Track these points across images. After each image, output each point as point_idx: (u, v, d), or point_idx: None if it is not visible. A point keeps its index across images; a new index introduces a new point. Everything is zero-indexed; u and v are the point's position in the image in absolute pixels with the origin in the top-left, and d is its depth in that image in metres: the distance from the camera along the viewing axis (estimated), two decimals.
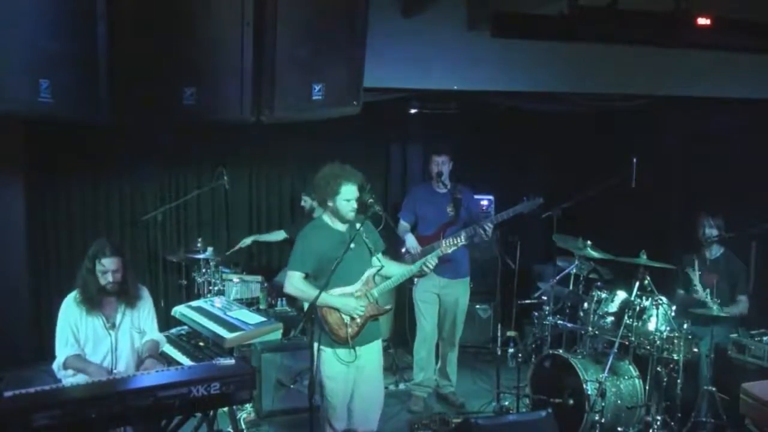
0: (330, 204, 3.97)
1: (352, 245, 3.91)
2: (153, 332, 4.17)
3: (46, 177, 6.21)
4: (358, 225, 3.99)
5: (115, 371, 3.92)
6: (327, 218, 4.07)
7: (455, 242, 4.22)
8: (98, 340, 3.96)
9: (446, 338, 5.64)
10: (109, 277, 3.90)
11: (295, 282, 4.00)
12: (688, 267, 5.38)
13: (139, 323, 4.10)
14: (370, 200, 3.91)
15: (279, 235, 6.71)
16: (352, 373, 4.01)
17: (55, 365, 3.90)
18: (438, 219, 5.44)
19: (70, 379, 3.83)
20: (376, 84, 4.47)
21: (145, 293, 4.19)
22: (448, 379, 5.71)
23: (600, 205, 6.07)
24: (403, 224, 5.50)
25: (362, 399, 4.06)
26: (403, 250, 5.40)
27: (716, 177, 6.22)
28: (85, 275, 3.93)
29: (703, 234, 5.27)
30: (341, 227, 4.01)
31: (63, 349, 3.90)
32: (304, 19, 2.94)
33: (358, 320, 3.95)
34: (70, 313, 3.95)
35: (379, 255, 4.10)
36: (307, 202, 6.47)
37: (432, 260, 4.06)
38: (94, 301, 3.92)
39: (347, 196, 3.92)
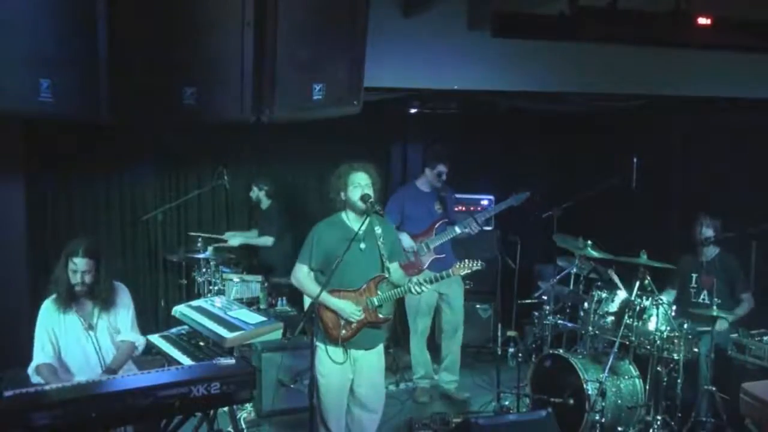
0: (344, 198, 3.97)
1: (362, 246, 3.90)
2: (127, 333, 4.10)
3: (46, 177, 6.21)
4: (378, 230, 3.97)
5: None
6: (343, 215, 4.04)
7: (470, 266, 4.04)
8: (80, 342, 3.94)
9: (447, 333, 5.69)
10: (78, 278, 3.86)
11: (299, 275, 4.01)
12: (684, 268, 5.39)
13: (116, 323, 4.07)
14: (370, 200, 3.89)
15: (254, 234, 6.78)
16: (348, 375, 3.99)
17: (30, 369, 3.88)
18: (428, 217, 5.56)
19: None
20: (376, 84, 4.47)
21: (122, 293, 4.13)
22: (451, 374, 5.74)
23: (600, 205, 6.08)
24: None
25: (360, 403, 4.04)
26: None
27: (716, 177, 6.23)
28: (58, 272, 3.92)
29: (699, 234, 5.28)
30: (357, 226, 3.92)
31: (38, 355, 3.88)
32: (304, 19, 2.94)
33: (353, 325, 3.92)
34: (47, 317, 3.93)
35: (395, 264, 4.06)
36: (253, 192, 6.57)
37: (426, 285, 3.96)
38: (66, 300, 3.90)
39: (356, 182, 3.92)
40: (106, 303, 4.01)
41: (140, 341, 4.20)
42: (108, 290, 4.01)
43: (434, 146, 5.70)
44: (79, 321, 3.94)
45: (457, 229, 5.40)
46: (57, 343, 3.94)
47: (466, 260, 4.05)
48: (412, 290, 3.91)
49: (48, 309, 3.95)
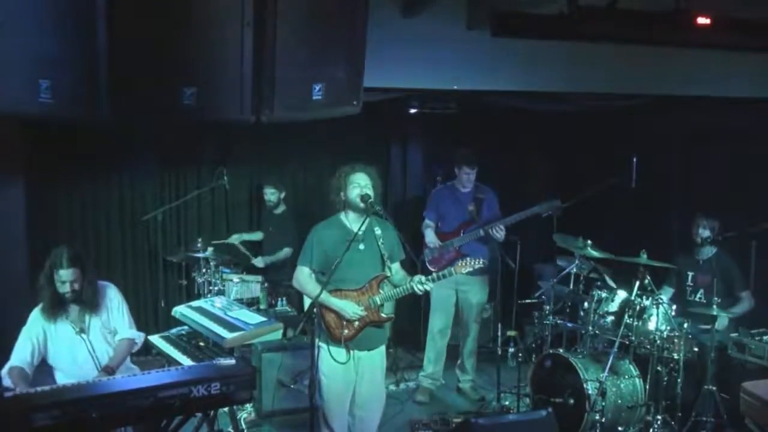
0: (344, 198, 3.98)
1: (361, 246, 3.90)
2: (124, 330, 4.10)
3: (46, 177, 6.21)
4: (377, 231, 3.97)
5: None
6: (342, 216, 4.05)
7: (472, 264, 4.03)
8: (73, 347, 3.94)
9: (463, 333, 5.78)
10: (66, 287, 3.86)
11: (300, 277, 4.01)
12: (681, 267, 5.39)
13: (110, 323, 4.07)
14: (371, 200, 3.89)
15: (258, 235, 6.83)
16: (351, 375, 3.99)
17: (4, 370, 3.86)
18: (458, 217, 5.62)
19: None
20: (376, 84, 4.47)
21: (110, 292, 4.12)
22: (467, 373, 5.80)
23: (600, 205, 6.08)
24: (427, 222, 5.71)
25: (362, 403, 4.05)
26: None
27: (716, 177, 6.23)
28: (43, 282, 3.89)
29: (697, 235, 5.28)
30: (356, 227, 3.93)
31: (15, 357, 3.87)
32: (304, 19, 2.93)
33: (356, 324, 3.93)
34: (36, 325, 3.93)
35: (395, 265, 4.07)
36: (274, 194, 6.52)
37: (429, 284, 3.91)
38: (54, 308, 3.89)
39: (355, 182, 3.93)
40: (94, 305, 4.00)
41: (139, 336, 4.19)
42: (94, 293, 4.00)
43: (462, 149, 5.73)
44: (70, 327, 3.93)
45: (481, 232, 5.42)
46: (43, 352, 3.93)
47: (468, 258, 4.05)
48: (415, 289, 3.91)
49: (37, 318, 3.94)
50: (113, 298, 4.11)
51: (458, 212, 5.62)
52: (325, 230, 4.03)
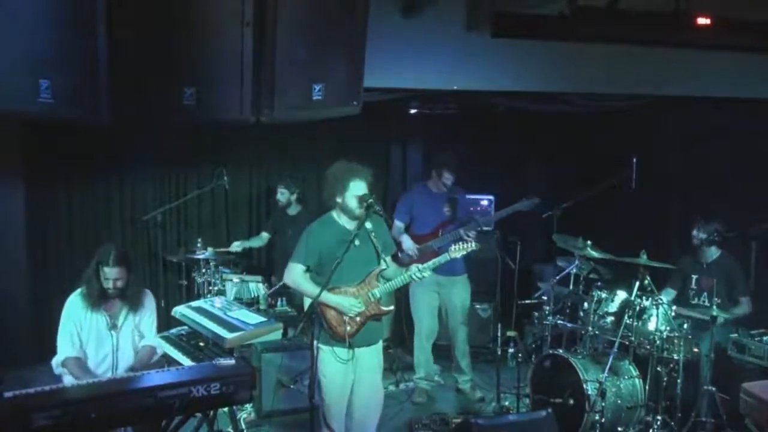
0: (339, 200, 3.98)
1: (356, 243, 3.91)
2: (150, 337, 4.22)
3: (46, 177, 6.21)
4: (369, 225, 3.98)
5: (116, 371, 3.99)
6: (335, 214, 4.06)
7: (465, 247, 4.06)
8: (101, 340, 4.01)
9: (453, 335, 5.75)
10: (111, 284, 3.97)
11: (294, 275, 4.02)
12: (685, 270, 5.38)
13: (140, 326, 4.16)
14: (370, 200, 3.90)
15: (262, 239, 6.68)
16: (350, 375, 4.00)
17: (55, 361, 3.95)
18: (435, 218, 5.57)
19: (69, 377, 3.85)
20: (376, 84, 4.47)
21: (149, 297, 4.24)
22: (464, 373, 5.80)
23: (600, 205, 6.08)
24: (398, 224, 5.60)
25: (360, 403, 4.06)
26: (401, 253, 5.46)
27: (716, 177, 6.23)
28: (89, 275, 4.00)
29: (695, 237, 5.28)
30: (349, 225, 3.99)
31: (65, 348, 3.95)
32: (304, 19, 2.94)
33: (358, 319, 3.95)
34: (74, 310, 4.00)
35: (388, 258, 4.10)
36: (284, 195, 6.45)
37: (426, 271, 3.94)
38: (97, 301, 3.99)
39: (356, 192, 3.93)
40: (136, 304, 4.12)
41: (160, 347, 4.33)
42: (138, 293, 4.14)
43: (443, 153, 5.71)
44: (104, 320, 4.03)
45: (461, 232, 5.42)
46: (81, 337, 4.01)
47: (461, 242, 4.12)
48: (413, 277, 3.93)
49: (75, 303, 4.02)
50: (150, 303, 4.24)
51: (434, 213, 5.59)
52: (319, 229, 4.05)
